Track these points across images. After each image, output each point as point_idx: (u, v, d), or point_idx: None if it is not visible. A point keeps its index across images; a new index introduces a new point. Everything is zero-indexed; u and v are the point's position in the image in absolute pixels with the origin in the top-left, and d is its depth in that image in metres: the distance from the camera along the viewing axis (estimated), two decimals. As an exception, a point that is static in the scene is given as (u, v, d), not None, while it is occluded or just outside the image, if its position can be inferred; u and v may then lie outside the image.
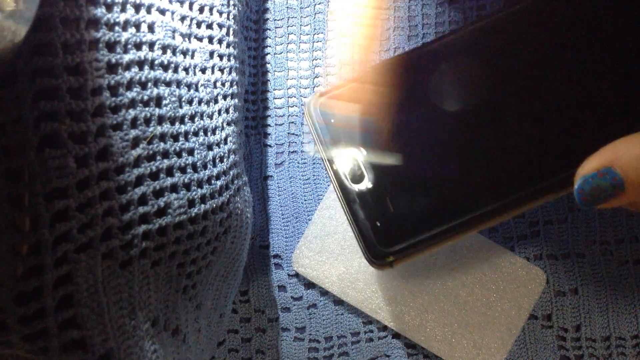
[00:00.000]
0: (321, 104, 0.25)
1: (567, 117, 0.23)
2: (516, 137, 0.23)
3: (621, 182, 0.18)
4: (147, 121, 0.21)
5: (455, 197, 0.23)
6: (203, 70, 0.26)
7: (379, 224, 0.22)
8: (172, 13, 0.24)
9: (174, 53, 0.23)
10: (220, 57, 0.27)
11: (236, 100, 0.28)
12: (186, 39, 0.25)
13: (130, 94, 0.20)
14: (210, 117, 0.26)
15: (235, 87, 0.28)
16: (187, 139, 0.24)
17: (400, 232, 0.22)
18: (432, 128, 0.24)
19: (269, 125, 0.36)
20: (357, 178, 0.23)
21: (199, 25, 0.26)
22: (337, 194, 0.24)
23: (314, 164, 0.35)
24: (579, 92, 0.23)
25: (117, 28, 0.20)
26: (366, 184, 0.23)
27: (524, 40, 0.24)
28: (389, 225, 0.23)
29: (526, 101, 0.24)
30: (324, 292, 0.33)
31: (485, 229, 0.23)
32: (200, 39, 0.26)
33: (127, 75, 0.20)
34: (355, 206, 0.23)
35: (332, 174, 0.24)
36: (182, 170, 0.23)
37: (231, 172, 0.27)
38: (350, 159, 0.24)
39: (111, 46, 0.20)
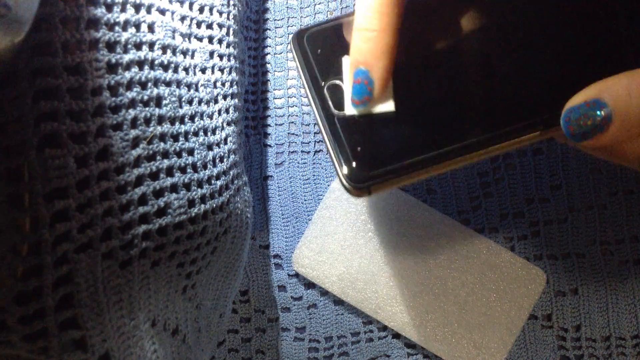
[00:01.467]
0: (308, 35, 0.25)
1: (554, 55, 0.24)
2: (501, 74, 0.24)
3: (609, 112, 0.18)
4: (147, 121, 0.21)
5: (435, 128, 0.23)
6: (203, 70, 0.26)
7: (359, 149, 0.23)
8: (172, 13, 0.24)
9: (174, 53, 0.23)
10: (220, 57, 0.27)
11: (236, 100, 0.28)
12: (186, 39, 0.25)
13: (130, 94, 0.20)
14: (210, 117, 0.26)
15: (235, 87, 0.28)
16: (187, 139, 0.24)
17: (379, 158, 0.23)
18: (415, 63, 0.24)
19: (269, 125, 0.36)
20: (340, 106, 0.24)
21: (199, 25, 0.26)
22: (318, 118, 0.24)
23: (314, 163, 0.35)
24: (565, 33, 0.24)
25: (117, 28, 0.20)
26: (349, 111, 0.24)
27: None
28: (369, 150, 0.23)
29: (511, 40, 0.24)
30: (324, 292, 0.33)
31: (463, 164, 0.23)
32: (200, 39, 0.26)
33: (127, 75, 0.20)
34: (336, 131, 0.23)
35: (315, 99, 0.24)
36: (182, 170, 0.23)
37: (231, 172, 0.27)
38: (335, 87, 0.24)
39: (111, 46, 0.20)
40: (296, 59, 0.25)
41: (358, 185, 0.22)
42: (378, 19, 0.20)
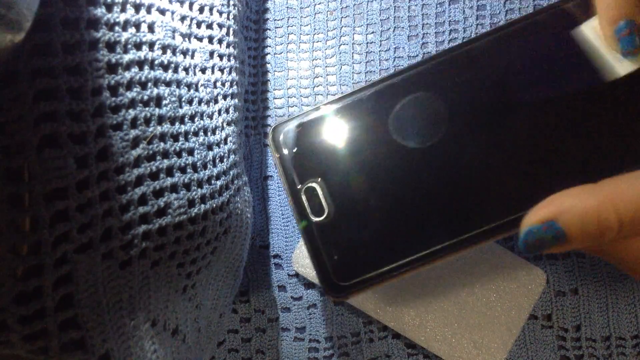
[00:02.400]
0: (284, 132, 0.25)
1: (521, 159, 0.23)
2: (471, 176, 0.23)
3: (563, 235, 0.19)
4: (147, 121, 0.21)
5: (411, 233, 0.23)
6: (203, 70, 0.26)
7: (336, 258, 0.23)
8: (172, 13, 0.24)
9: (174, 53, 0.23)
10: (220, 57, 0.27)
11: (236, 100, 0.28)
12: (186, 39, 0.24)
13: (130, 94, 0.20)
14: (210, 117, 0.26)
15: (235, 87, 0.28)
16: (187, 139, 0.23)
17: (355, 267, 0.23)
18: (390, 164, 0.24)
19: (269, 125, 0.36)
20: (317, 211, 0.24)
21: (199, 25, 0.26)
22: (297, 224, 0.24)
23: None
24: (531, 136, 0.23)
25: (117, 28, 0.20)
26: (325, 217, 0.23)
27: (481, 79, 0.24)
28: (345, 259, 0.23)
29: (481, 143, 0.24)
30: (324, 292, 0.33)
31: (438, 264, 0.23)
32: (200, 39, 0.26)
33: (127, 75, 0.20)
34: (313, 238, 0.23)
35: (293, 205, 0.24)
36: (182, 170, 0.23)
37: (231, 172, 0.27)
38: (311, 190, 0.24)
39: (111, 46, 0.20)
40: (274, 158, 0.25)
41: (334, 294, 0.23)
42: None
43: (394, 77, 0.25)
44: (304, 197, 0.24)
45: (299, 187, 0.24)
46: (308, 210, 0.24)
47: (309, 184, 0.24)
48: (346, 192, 0.24)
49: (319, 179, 0.24)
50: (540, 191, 0.21)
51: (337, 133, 0.25)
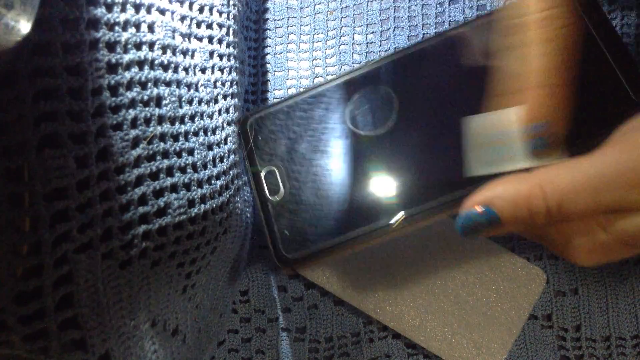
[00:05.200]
0: (251, 122, 0.28)
1: (458, 146, 0.25)
2: (412, 161, 0.26)
3: (497, 219, 0.20)
4: (147, 121, 0.21)
5: (353, 212, 0.26)
6: (203, 70, 0.26)
7: (286, 233, 0.26)
8: (172, 13, 0.24)
9: (174, 53, 0.23)
10: (220, 57, 0.27)
11: (236, 100, 0.28)
12: (186, 39, 0.25)
13: (130, 94, 0.20)
14: (211, 117, 0.26)
15: (235, 87, 0.28)
16: (187, 139, 0.23)
17: (302, 241, 0.26)
18: (342, 150, 0.27)
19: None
20: (275, 191, 0.27)
21: (199, 25, 0.26)
22: (255, 202, 0.27)
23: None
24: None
25: (117, 28, 0.20)
26: (281, 198, 0.27)
27: (429, 75, 0.27)
28: (294, 235, 0.26)
29: (425, 132, 0.26)
30: (324, 292, 0.33)
31: (377, 244, 0.26)
32: (200, 39, 0.26)
33: (127, 75, 0.20)
34: (268, 215, 0.27)
35: (253, 184, 0.27)
36: (182, 170, 0.23)
37: (231, 172, 0.27)
38: (271, 173, 0.27)
39: (111, 46, 0.20)
40: (240, 144, 0.28)
41: (284, 265, 0.26)
42: (559, 74, 0.21)
43: (352, 73, 0.28)
44: (263, 179, 0.27)
45: (260, 170, 0.27)
46: (266, 190, 0.27)
47: (269, 168, 0.27)
48: (301, 176, 0.27)
49: (279, 163, 0.27)
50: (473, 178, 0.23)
51: (297, 123, 0.28)
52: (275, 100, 0.29)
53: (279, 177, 0.27)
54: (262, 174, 0.27)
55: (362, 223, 0.25)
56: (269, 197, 0.27)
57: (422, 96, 0.27)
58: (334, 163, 0.27)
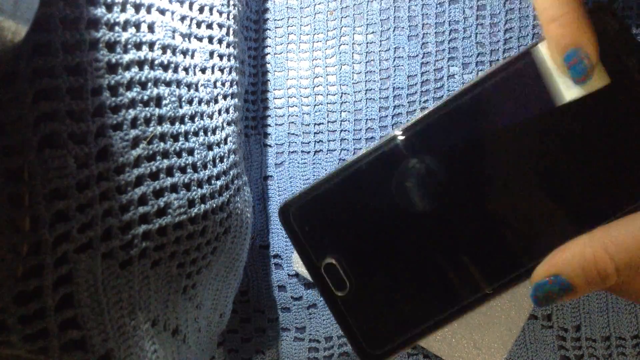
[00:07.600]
0: (293, 212, 0.26)
1: (525, 216, 0.24)
2: (482, 235, 0.24)
3: (569, 286, 0.21)
4: (147, 121, 0.21)
5: (432, 295, 0.24)
6: (203, 70, 0.26)
7: (365, 328, 0.24)
8: (172, 13, 0.24)
9: (174, 53, 0.23)
10: (220, 57, 0.27)
11: (236, 100, 0.28)
12: (186, 39, 0.24)
13: (130, 94, 0.20)
14: (210, 117, 0.26)
15: (235, 87, 0.28)
16: (187, 139, 0.23)
17: (385, 334, 0.24)
18: (401, 230, 0.25)
19: (269, 125, 0.36)
20: (340, 285, 0.25)
21: (199, 25, 0.26)
22: (325, 301, 0.25)
23: (314, 163, 0.35)
24: (531, 193, 0.24)
25: (117, 28, 0.20)
26: (349, 291, 0.24)
27: (470, 136, 0.24)
28: (374, 329, 0.24)
29: (482, 201, 0.24)
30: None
31: (460, 319, 0.24)
32: (200, 39, 0.26)
33: (127, 75, 0.20)
34: (341, 312, 0.25)
35: (315, 282, 0.25)
36: (182, 170, 0.23)
37: (231, 172, 0.27)
38: (331, 267, 0.25)
39: (111, 46, 0.20)
40: (289, 238, 0.26)
41: None
42: (564, 3, 0.21)
43: (390, 142, 0.25)
44: (324, 274, 0.25)
45: (318, 264, 0.25)
46: (331, 286, 0.25)
47: (328, 261, 0.25)
48: (364, 264, 0.25)
49: (336, 254, 0.25)
50: (544, 244, 0.22)
51: (344, 205, 0.25)
52: (312, 184, 0.26)
53: (340, 270, 0.25)
54: (322, 269, 0.25)
55: (446, 303, 0.24)
56: (337, 293, 0.25)
57: (469, 157, 0.24)
58: (397, 245, 0.25)
